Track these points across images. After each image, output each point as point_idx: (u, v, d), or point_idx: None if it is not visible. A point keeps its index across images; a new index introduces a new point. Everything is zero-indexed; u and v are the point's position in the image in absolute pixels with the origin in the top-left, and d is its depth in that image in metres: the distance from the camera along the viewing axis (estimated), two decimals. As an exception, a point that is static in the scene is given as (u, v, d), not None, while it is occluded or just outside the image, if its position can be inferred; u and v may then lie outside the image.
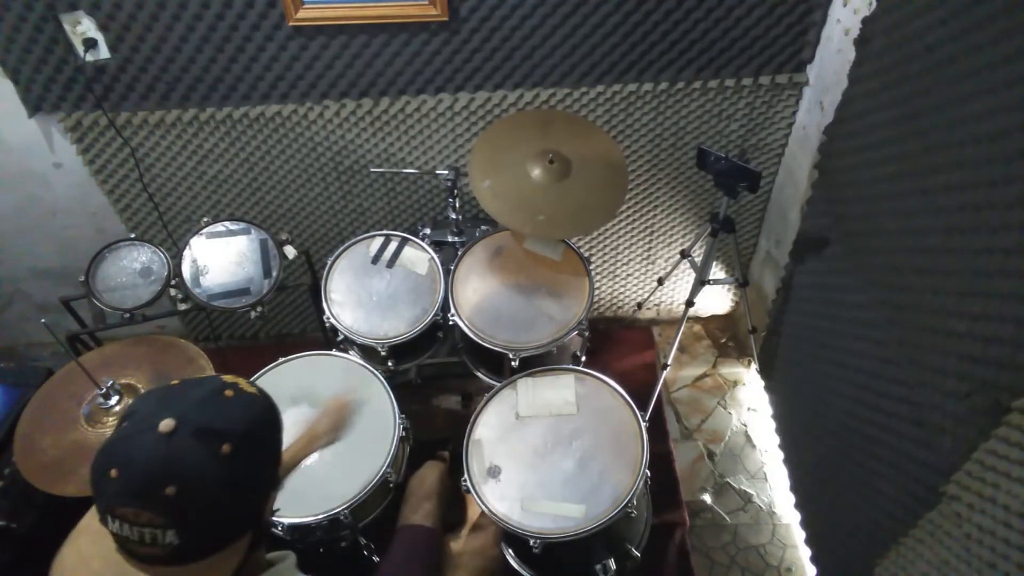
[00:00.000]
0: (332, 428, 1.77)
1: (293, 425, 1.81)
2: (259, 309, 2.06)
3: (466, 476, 1.72)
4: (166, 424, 0.86)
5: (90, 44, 1.95)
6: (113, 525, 0.86)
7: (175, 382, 0.96)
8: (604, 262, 2.79)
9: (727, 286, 2.87)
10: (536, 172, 1.87)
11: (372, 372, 1.91)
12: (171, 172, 2.32)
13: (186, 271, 2.03)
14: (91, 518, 0.94)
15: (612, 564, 1.73)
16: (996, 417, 1.30)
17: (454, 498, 1.89)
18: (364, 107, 2.17)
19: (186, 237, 2.06)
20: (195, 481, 0.86)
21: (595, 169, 1.92)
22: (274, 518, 1.66)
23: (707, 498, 2.52)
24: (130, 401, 0.93)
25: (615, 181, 1.94)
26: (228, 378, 0.99)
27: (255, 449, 0.94)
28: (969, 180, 1.37)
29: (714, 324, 3.04)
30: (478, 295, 2.02)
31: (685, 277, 2.82)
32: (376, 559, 1.83)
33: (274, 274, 2.07)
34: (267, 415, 0.99)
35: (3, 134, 2.18)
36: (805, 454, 2.34)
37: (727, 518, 2.47)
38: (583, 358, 2.16)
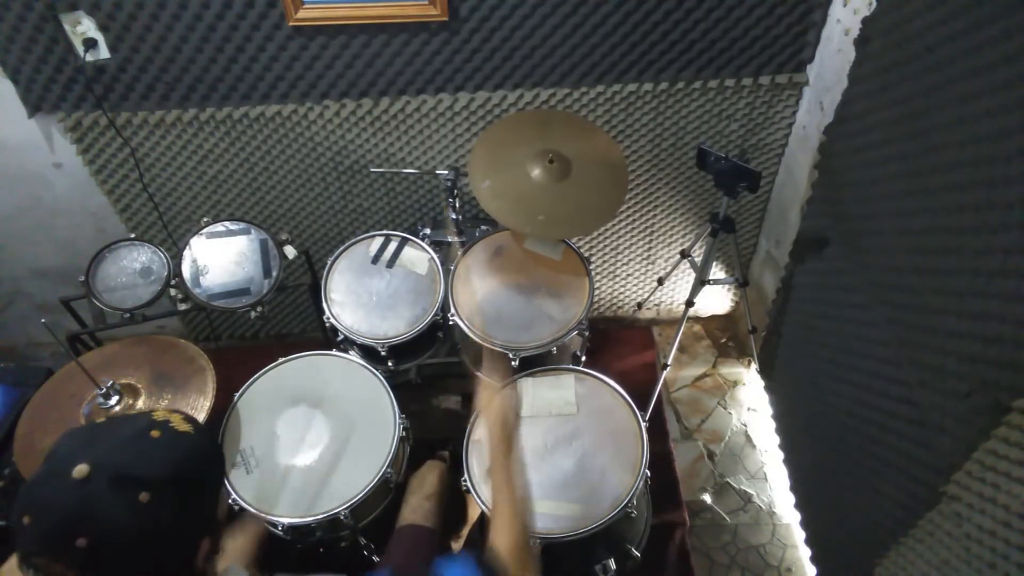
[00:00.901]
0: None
1: (293, 425, 1.81)
2: (259, 309, 2.06)
3: (466, 476, 1.72)
4: (79, 470, 0.82)
5: (90, 44, 1.95)
6: (28, 573, 0.83)
7: (102, 420, 0.93)
8: (604, 262, 2.79)
9: (727, 286, 2.87)
10: (536, 172, 1.87)
11: (372, 372, 1.91)
12: (171, 172, 2.32)
13: (186, 271, 2.03)
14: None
15: (612, 564, 1.73)
16: (996, 417, 1.30)
17: (454, 498, 1.89)
18: (364, 107, 2.17)
19: (186, 237, 2.06)
20: (108, 533, 0.82)
21: (595, 169, 1.92)
22: (278, 518, 1.65)
23: (707, 498, 2.52)
24: (58, 439, 0.88)
25: (615, 181, 1.94)
26: (160, 415, 0.93)
27: (180, 495, 0.88)
28: (969, 180, 1.37)
29: (714, 324, 3.04)
30: (478, 295, 2.02)
31: (685, 277, 2.82)
32: (376, 559, 1.83)
33: (274, 274, 2.07)
34: (199, 455, 0.94)
35: (3, 134, 2.18)
36: (805, 454, 2.34)
37: (727, 518, 2.47)
38: (583, 358, 2.16)
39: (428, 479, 1.83)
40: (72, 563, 0.81)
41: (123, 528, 0.83)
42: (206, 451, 0.96)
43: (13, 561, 0.86)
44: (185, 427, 0.94)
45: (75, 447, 0.87)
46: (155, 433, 0.89)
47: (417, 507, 1.76)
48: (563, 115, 2.16)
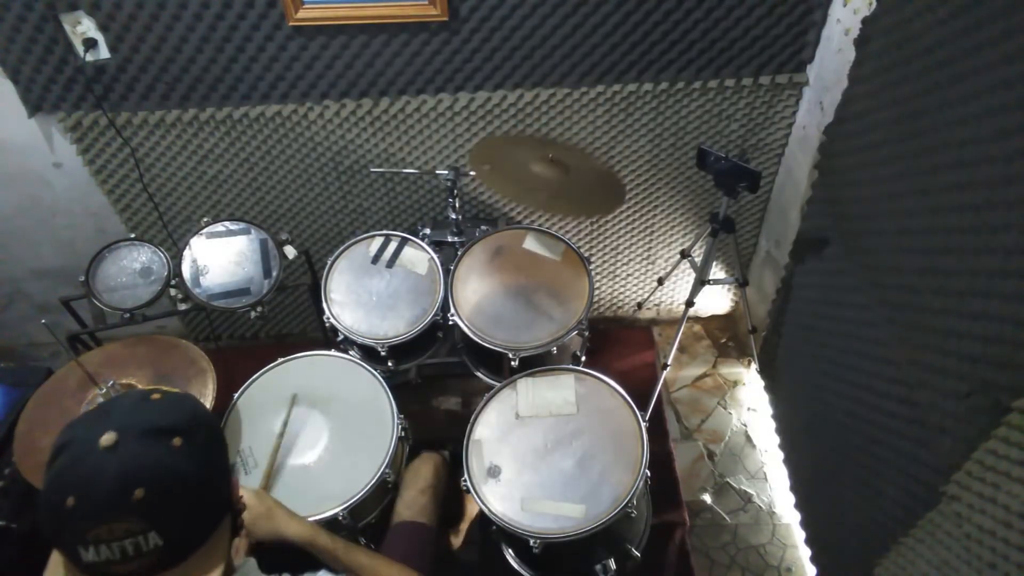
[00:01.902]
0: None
1: (292, 425, 1.81)
2: (259, 309, 2.06)
3: (466, 476, 1.72)
4: (107, 438, 0.83)
5: (90, 44, 1.95)
6: (88, 555, 0.82)
7: (93, 407, 0.94)
8: (604, 262, 2.78)
9: (727, 286, 2.87)
10: (537, 168, 1.87)
11: (371, 372, 1.91)
12: (171, 172, 2.32)
13: (186, 271, 2.03)
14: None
15: (612, 564, 1.73)
16: (996, 417, 1.30)
17: (452, 494, 1.89)
18: (364, 107, 2.17)
19: (186, 237, 2.06)
20: (159, 477, 0.84)
21: (592, 176, 1.91)
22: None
23: (707, 498, 2.52)
24: (60, 434, 0.90)
25: (615, 186, 1.93)
26: (147, 388, 0.98)
27: (205, 434, 0.93)
28: (969, 180, 1.37)
29: (714, 324, 3.04)
30: (478, 295, 2.02)
31: (685, 277, 2.82)
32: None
33: (274, 274, 2.07)
34: (200, 406, 0.99)
35: (3, 134, 2.18)
36: (805, 454, 2.34)
37: (727, 518, 2.47)
38: (583, 358, 2.16)
39: (422, 472, 1.81)
40: (134, 517, 0.82)
41: (170, 469, 0.85)
42: (201, 403, 1.02)
43: (54, 566, 0.86)
44: (175, 390, 0.99)
45: (88, 428, 0.87)
46: (155, 396, 0.93)
47: (412, 503, 1.75)
48: (559, 146, 2.15)
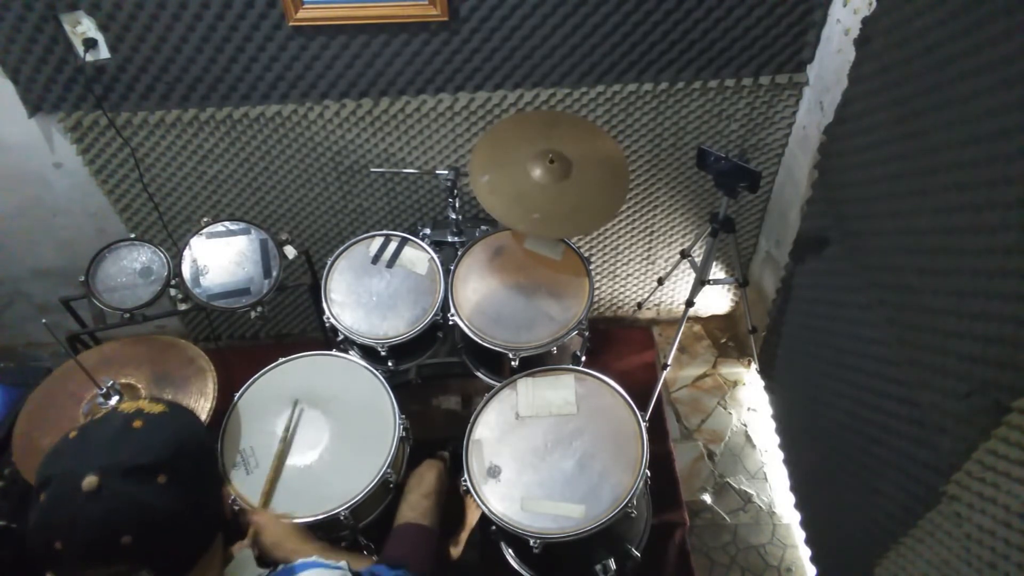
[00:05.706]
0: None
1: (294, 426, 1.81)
2: (259, 309, 2.06)
3: (466, 476, 1.72)
4: (89, 482, 0.82)
5: (90, 44, 1.95)
6: None
7: (74, 433, 0.91)
8: (604, 262, 2.79)
9: (727, 286, 2.87)
10: (536, 172, 1.87)
11: (372, 372, 1.91)
12: (171, 172, 2.32)
13: (186, 271, 2.03)
14: None
15: (612, 564, 1.73)
16: (996, 417, 1.30)
17: (452, 499, 1.89)
18: (364, 107, 2.17)
19: (186, 237, 2.06)
20: (147, 520, 0.84)
21: (596, 172, 1.91)
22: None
23: (707, 498, 2.52)
24: (41, 465, 0.90)
25: (615, 184, 1.94)
26: (128, 407, 0.94)
27: (191, 464, 0.91)
28: (969, 180, 1.37)
29: (714, 324, 3.05)
30: (478, 295, 2.02)
31: (685, 277, 2.82)
32: (375, 559, 1.83)
33: (274, 274, 2.07)
34: (185, 425, 0.96)
35: (3, 134, 2.18)
36: (805, 454, 2.34)
37: (727, 518, 2.47)
38: (583, 358, 2.16)
39: (426, 477, 1.82)
40: (124, 560, 0.82)
41: (157, 511, 0.85)
42: (187, 419, 0.98)
43: None
44: (158, 408, 0.95)
45: (69, 464, 0.86)
46: (137, 423, 0.91)
47: (415, 505, 1.75)
48: (569, 117, 2.16)
